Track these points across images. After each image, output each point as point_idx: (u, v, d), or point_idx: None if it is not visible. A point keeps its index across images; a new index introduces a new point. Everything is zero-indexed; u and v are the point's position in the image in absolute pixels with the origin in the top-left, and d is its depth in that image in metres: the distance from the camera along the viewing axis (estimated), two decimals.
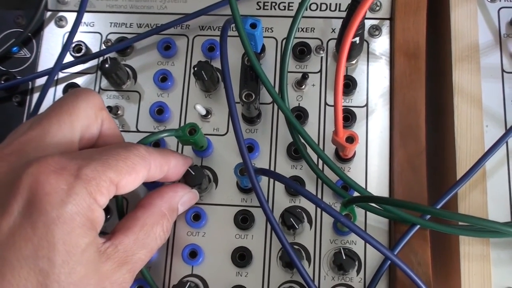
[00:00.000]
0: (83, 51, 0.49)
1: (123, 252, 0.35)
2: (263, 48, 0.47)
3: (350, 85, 0.46)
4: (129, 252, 0.35)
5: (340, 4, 0.49)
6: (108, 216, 0.45)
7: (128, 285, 0.36)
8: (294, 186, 0.39)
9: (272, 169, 0.45)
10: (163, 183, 0.44)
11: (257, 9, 0.50)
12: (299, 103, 0.47)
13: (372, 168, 0.45)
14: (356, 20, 0.36)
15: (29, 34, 0.51)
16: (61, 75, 0.49)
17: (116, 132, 0.40)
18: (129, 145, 0.37)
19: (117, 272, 0.34)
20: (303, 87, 0.47)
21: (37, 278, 0.30)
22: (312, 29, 0.49)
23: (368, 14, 0.48)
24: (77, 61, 0.48)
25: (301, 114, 0.46)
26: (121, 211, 0.42)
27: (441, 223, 0.41)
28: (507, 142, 0.44)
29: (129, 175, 0.35)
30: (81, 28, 0.50)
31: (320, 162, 0.44)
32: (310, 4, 0.49)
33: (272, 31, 0.49)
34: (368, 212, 0.43)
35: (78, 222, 0.32)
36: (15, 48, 0.50)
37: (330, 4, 0.49)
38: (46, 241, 0.31)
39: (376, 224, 0.44)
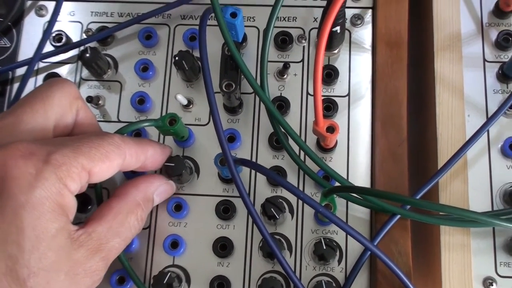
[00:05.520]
0: (63, 40, 0.48)
1: (97, 240, 0.35)
2: (245, 38, 0.47)
3: (332, 74, 0.46)
4: (102, 240, 0.35)
5: None
6: (89, 207, 0.44)
7: (102, 273, 0.36)
8: (273, 176, 0.39)
9: (254, 159, 0.45)
10: (145, 173, 0.44)
11: None
12: (281, 93, 0.46)
13: (353, 158, 0.45)
14: (333, 9, 0.36)
15: (9, 23, 0.50)
16: (41, 65, 0.49)
17: (92, 122, 0.40)
18: (103, 133, 0.36)
19: (90, 259, 0.34)
20: (285, 76, 0.46)
21: (5, 263, 0.30)
22: (294, 18, 0.48)
23: (350, 3, 0.48)
24: (57, 51, 0.48)
25: (282, 104, 0.45)
26: (100, 201, 0.42)
27: (422, 213, 0.41)
28: (488, 131, 0.44)
29: (102, 163, 0.34)
30: (61, 17, 0.50)
31: (302, 152, 0.44)
32: None
33: (254, 20, 0.48)
34: (349, 202, 0.43)
35: (47, 207, 0.32)
36: None
37: None
38: (15, 226, 0.31)
39: (358, 214, 0.43)
